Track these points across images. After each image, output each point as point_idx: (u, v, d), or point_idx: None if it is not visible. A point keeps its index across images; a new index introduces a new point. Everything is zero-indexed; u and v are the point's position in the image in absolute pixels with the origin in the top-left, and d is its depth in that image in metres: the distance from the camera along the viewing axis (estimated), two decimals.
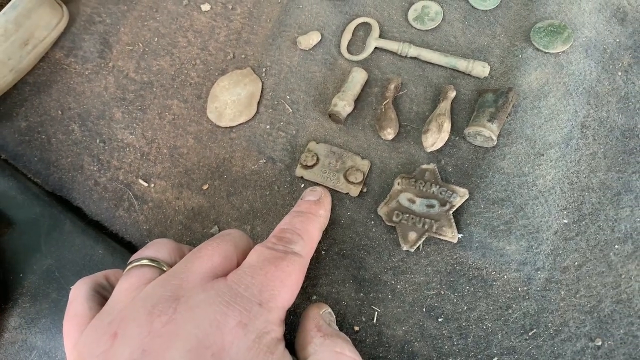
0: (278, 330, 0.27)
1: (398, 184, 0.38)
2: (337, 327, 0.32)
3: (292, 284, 0.29)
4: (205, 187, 0.40)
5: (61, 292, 0.36)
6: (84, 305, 0.29)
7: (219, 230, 0.39)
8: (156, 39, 0.45)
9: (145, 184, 0.41)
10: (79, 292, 0.30)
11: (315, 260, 0.38)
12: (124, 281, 0.29)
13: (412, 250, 0.36)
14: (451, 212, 0.37)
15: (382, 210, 0.38)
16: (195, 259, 0.29)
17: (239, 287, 0.27)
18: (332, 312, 0.33)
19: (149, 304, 0.26)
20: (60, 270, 0.37)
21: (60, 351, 0.34)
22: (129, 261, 0.31)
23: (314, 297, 0.36)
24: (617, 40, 0.41)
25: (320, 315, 0.32)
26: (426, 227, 0.36)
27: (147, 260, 0.30)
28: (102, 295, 0.30)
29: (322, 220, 0.34)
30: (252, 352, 0.25)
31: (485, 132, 0.37)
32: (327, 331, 0.30)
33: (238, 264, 0.29)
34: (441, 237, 0.36)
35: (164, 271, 0.29)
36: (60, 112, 0.43)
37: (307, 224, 0.33)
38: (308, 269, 0.37)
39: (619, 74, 0.40)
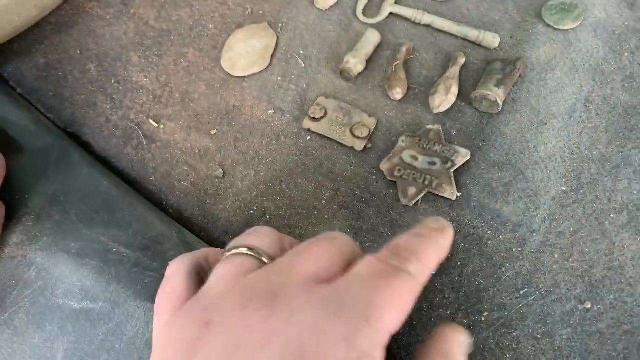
0: (379, 357, 0.24)
1: (402, 142, 0.39)
2: None
3: (402, 306, 0.25)
4: (213, 131, 0.41)
5: (64, 215, 0.36)
6: (182, 284, 0.28)
7: (223, 174, 0.40)
8: None
9: (155, 125, 0.41)
10: (179, 270, 0.29)
11: (315, 209, 0.38)
12: (222, 267, 0.28)
13: (411, 205, 0.37)
14: (452, 170, 0.37)
15: (384, 166, 0.38)
16: (300, 258, 0.27)
17: (345, 295, 0.24)
18: (471, 342, 0.29)
19: (246, 297, 0.24)
20: (65, 195, 0.37)
21: (58, 269, 0.35)
22: (228, 247, 0.29)
23: None
24: (626, 23, 0.42)
25: (460, 344, 0.28)
26: (426, 182, 0.37)
27: (246, 249, 0.28)
28: (200, 277, 0.29)
29: (442, 250, 0.29)
30: None
31: (492, 96, 0.38)
32: None
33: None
34: (440, 194, 0.37)
35: (264, 262, 0.28)
36: (78, 52, 0.45)
37: (426, 247, 0.28)
38: (308, 217, 0.38)
39: (626, 54, 0.41)
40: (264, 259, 0.28)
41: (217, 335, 0.24)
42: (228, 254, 0.28)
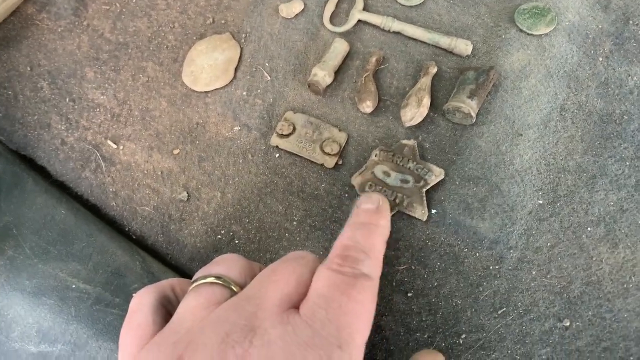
0: None
1: (375, 156, 0.37)
2: None
3: (367, 314, 0.26)
4: (176, 151, 0.39)
5: (18, 249, 0.34)
6: (148, 318, 0.27)
7: (188, 197, 0.38)
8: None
9: (114, 146, 0.39)
10: (144, 302, 0.27)
11: (287, 231, 0.37)
12: (191, 298, 0.26)
13: None
14: (424, 189, 0.36)
15: (355, 180, 0.37)
16: (270, 283, 0.26)
17: (314, 323, 0.24)
18: None
19: (222, 331, 0.24)
20: (18, 227, 0.35)
21: (13, 309, 0.33)
22: (195, 276, 0.28)
23: None
24: (600, 26, 0.41)
25: None
26: (397, 201, 0.36)
27: (214, 278, 0.27)
28: (167, 309, 0.28)
29: (385, 232, 0.30)
30: None
31: (465, 108, 0.36)
32: None
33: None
34: (410, 214, 0.36)
35: (234, 291, 0.27)
36: (29, 69, 0.42)
37: (371, 237, 0.28)
38: (279, 239, 0.37)
39: (600, 59, 0.40)
40: (233, 287, 0.27)
41: None
42: (195, 284, 0.27)
